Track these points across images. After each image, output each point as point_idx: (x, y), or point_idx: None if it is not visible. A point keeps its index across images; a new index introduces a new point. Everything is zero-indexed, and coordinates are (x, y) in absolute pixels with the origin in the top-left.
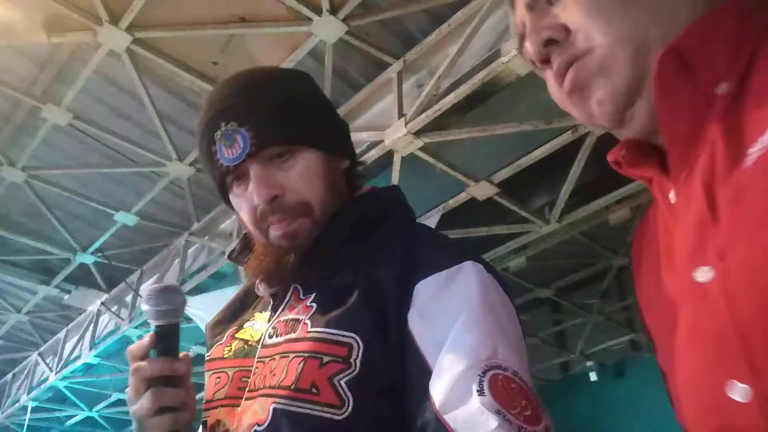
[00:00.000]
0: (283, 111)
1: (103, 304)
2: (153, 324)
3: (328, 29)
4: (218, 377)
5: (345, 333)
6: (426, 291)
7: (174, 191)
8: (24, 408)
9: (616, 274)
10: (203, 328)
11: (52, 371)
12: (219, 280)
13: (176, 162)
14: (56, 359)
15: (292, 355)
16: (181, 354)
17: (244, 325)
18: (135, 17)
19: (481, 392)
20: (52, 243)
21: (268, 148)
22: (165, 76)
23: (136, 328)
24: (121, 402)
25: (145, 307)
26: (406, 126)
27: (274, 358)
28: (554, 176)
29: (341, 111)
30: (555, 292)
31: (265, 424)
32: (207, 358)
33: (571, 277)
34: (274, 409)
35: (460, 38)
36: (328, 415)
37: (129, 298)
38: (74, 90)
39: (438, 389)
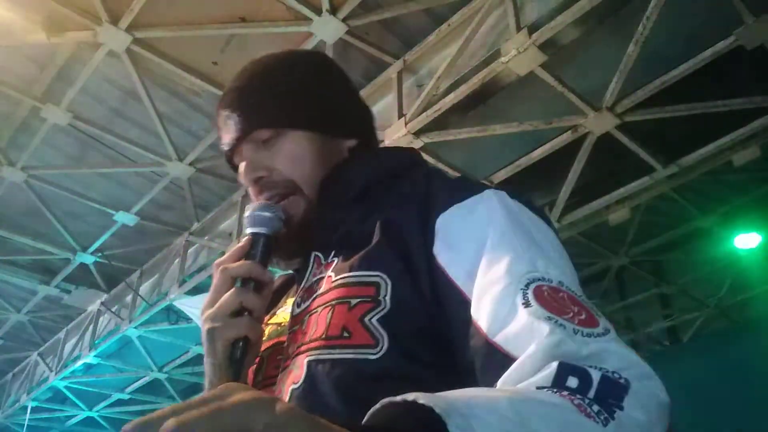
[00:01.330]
0: (273, 96)
1: (103, 304)
2: (252, 230)
3: (328, 29)
4: (253, 362)
5: (370, 272)
6: (449, 223)
7: (174, 191)
8: (24, 408)
9: (616, 274)
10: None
11: (52, 371)
12: None
13: (176, 162)
14: (56, 359)
15: (320, 309)
16: None
17: (277, 312)
18: (135, 17)
19: (527, 304)
20: (52, 243)
21: (255, 131)
22: (165, 76)
23: (136, 328)
24: (121, 402)
25: (248, 213)
26: (406, 126)
27: (303, 320)
28: (554, 176)
29: None
30: None
31: (301, 380)
32: None
33: None
34: (308, 362)
35: (460, 38)
36: (363, 356)
37: (129, 298)
38: (74, 90)
39: (481, 314)
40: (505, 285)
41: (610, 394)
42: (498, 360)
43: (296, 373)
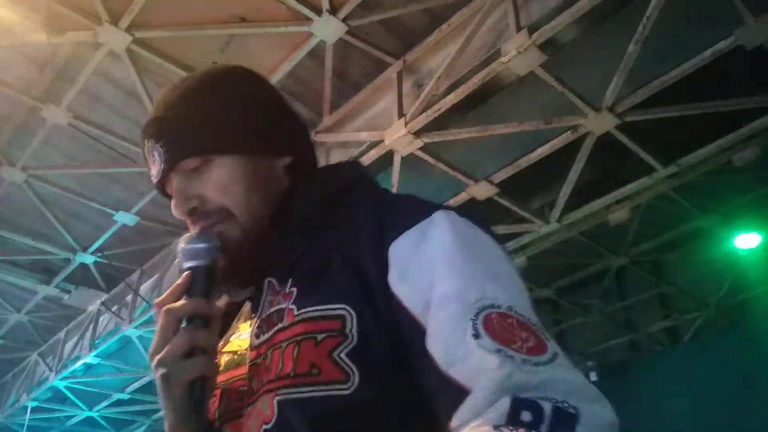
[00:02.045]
0: (196, 123)
1: (103, 304)
2: (189, 264)
3: (328, 29)
4: (212, 396)
5: (334, 306)
6: (401, 251)
7: None
8: (24, 408)
9: (616, 274)
10: None
11: (52, 371)
12: None
13: None
14: (56, 359)
15: (284, 344)
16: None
17: (230, 339)
18: (135, 17)
19: (476, 336)
20: (52, 243)
21: (182, 161)
22: (165, 76)
23: (136, 328)
24: (121, 402)
25: (181, 246)
26: (406, 126)
27: (266, 355)
28: (554, 176)
29: (341, 111)
30: (555, 292)
31: (273, 421)
32: None
33: (571, 277)
34: (278, 402)
35: (460, 38)
36: (335, 392)
37: (129, 298)
38: (74, 90)
39: (435, 346)
40: (456, 316)
41: (562, 425)
42: (453, 391)
43: (266, 413)
